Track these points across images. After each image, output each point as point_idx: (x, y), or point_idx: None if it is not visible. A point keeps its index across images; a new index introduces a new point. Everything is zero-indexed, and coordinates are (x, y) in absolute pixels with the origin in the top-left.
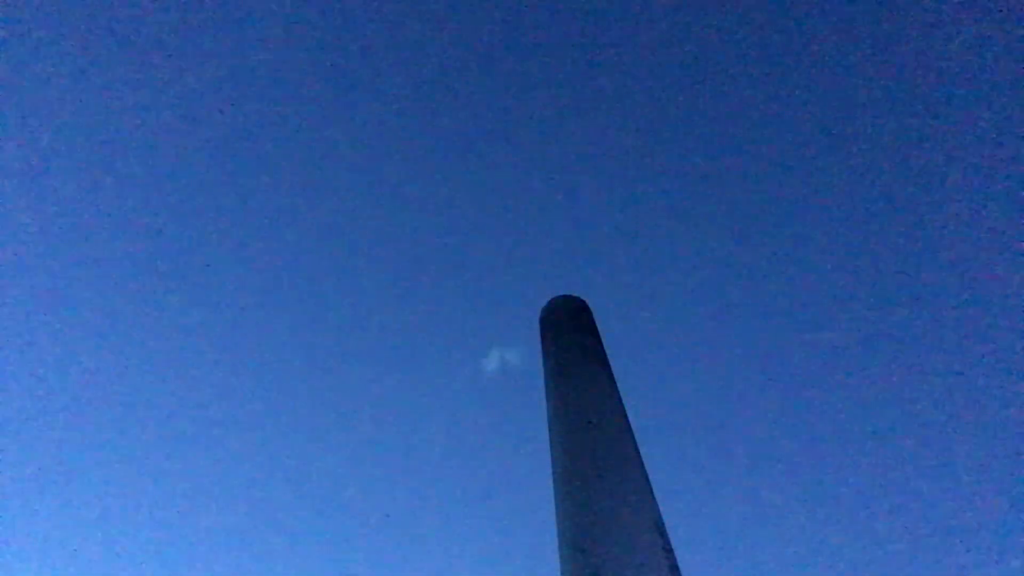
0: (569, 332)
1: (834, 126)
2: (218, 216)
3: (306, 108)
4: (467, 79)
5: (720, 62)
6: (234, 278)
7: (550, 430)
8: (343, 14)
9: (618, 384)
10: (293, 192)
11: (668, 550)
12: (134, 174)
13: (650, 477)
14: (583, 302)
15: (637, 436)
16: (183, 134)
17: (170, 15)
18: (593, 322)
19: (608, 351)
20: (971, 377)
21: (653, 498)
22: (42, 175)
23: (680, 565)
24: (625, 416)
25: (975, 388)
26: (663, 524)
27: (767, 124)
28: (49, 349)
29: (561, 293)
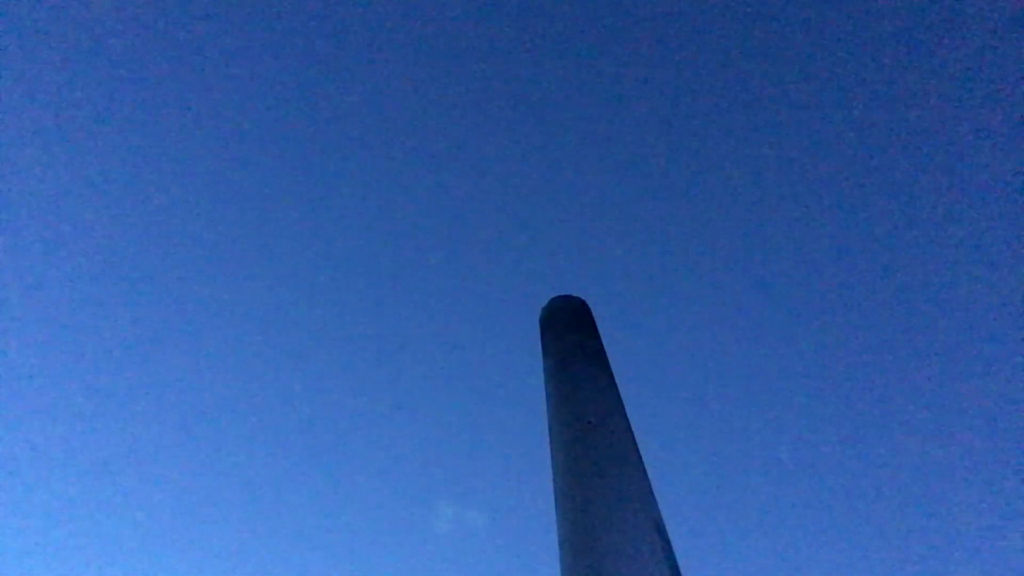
0: (569, 332)
1: (834, 126)
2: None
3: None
4: (464, 78)
5: (721, 60)
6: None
7: (550, 430)
8: (344, 11)
9: (618, 384)
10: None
11: (668, 550)
12: (130, 173)
13: (650, 477)
14: (583, 302)
15: (637, 436)
16: (181, 133)
17: (167, 14)
18: (593, 322)
19: (608, 351)
20: (972, 377)
21: (653, 498)
22: (39, 174)
23: (680, 565)
24: (625, 416)
25: (976, 388)
26: (663, 524)
27: (768, 123)
28: (47, 349)
29: (561, 293)
